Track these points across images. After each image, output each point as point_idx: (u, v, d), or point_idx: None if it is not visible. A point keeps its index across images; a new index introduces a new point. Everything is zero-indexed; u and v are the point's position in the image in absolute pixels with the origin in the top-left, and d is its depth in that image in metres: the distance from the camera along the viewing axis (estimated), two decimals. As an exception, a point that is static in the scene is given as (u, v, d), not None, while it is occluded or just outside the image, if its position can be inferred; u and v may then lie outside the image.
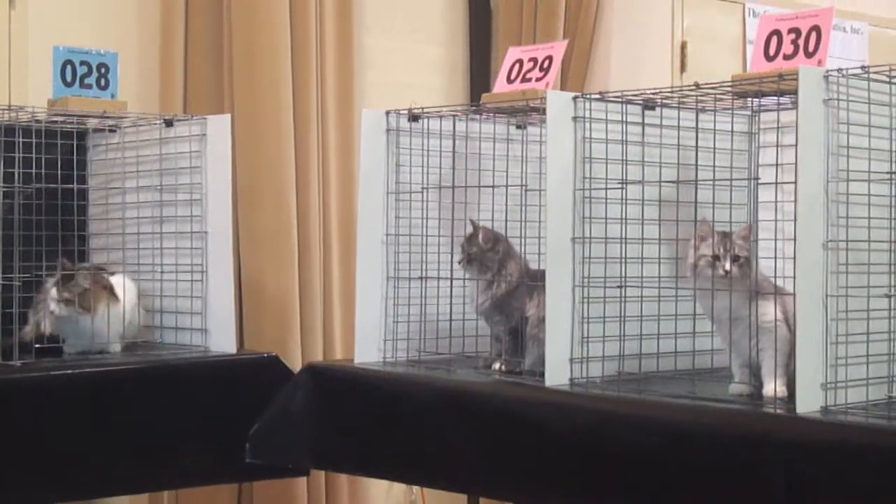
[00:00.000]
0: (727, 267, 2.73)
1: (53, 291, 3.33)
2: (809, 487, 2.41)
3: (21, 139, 3.44)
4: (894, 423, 2.43)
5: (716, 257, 2.74)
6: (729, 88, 2.87)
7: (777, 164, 2.80)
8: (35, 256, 3.59)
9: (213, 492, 4.15)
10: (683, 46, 5.46)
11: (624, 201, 2.97)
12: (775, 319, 2.69)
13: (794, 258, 2.55)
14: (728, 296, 2.74)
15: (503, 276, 3.17)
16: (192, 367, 3.43)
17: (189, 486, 3.82)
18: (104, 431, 3.18)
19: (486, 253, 3.19)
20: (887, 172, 2.59)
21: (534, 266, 3.23)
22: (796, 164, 2.54)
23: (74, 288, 3.36)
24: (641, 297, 2.99)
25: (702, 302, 2.85)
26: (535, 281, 3.10)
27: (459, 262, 3.22)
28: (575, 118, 2.95)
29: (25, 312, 3.46)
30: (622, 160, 2.97)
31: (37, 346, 3.35)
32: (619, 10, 5.02)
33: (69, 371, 3.22)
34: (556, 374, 2.92)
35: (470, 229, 3.24)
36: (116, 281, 3.48)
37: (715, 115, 3.07)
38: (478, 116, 3.44)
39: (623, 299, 2.97)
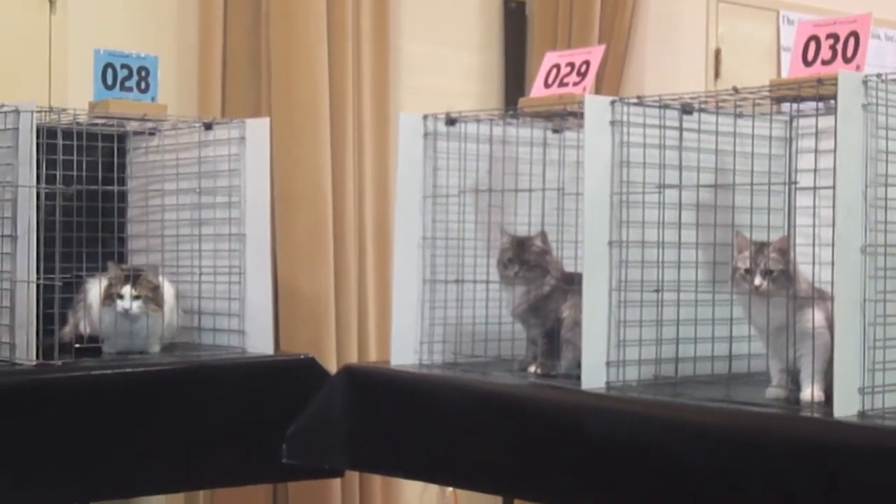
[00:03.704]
0: (757, 282, 2.73)
1: (128, 288, 3.35)
2: (846, 492, 2.41)
3: (62, 141, 3.47)
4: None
5: (748, 271, 2.75)
6: (767, 93, 2.88)
7: (815, 170, 2.81)
8: (75, 257, 3.64)
9: (249, 492, 4.17)
10: (718, 53, 5.46)
11: (661, 205, 2.97)
12: (812, 324, 2.69)
13: (832, 263, 2.56)
14: (765, 303, 2.74)
15: (543, 280, 3.18)
16: (230, 367, 3.46)
17: (225, 486, 3.84)
18: (142, 431, 3.21)
19: (539, 258, 3.19)
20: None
21: (568, 269, 3.24)
22: (835, 168, 2.54)
23: (147, 285, 3.39)
24: (678, 300, 3.00)
25: (741, 309, 2.86)
26: (571, 284, 3.12)
27: (513, 272, 3.20)
28: (613, 122, 2.96)
29: (65, 313, 3.50)
30: (660, 164, 2.98)
31: (76, 346, 3.39)
32: (653, 16, 5.03)
33: (109, 371, 3.25)
34: (593, 378, 2.93)
35: (506, 238, 3.24)
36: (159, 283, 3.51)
37: (753, 120, 3.07)
38: (515, 121, 3.46)
39: (660, 303, 2.97)
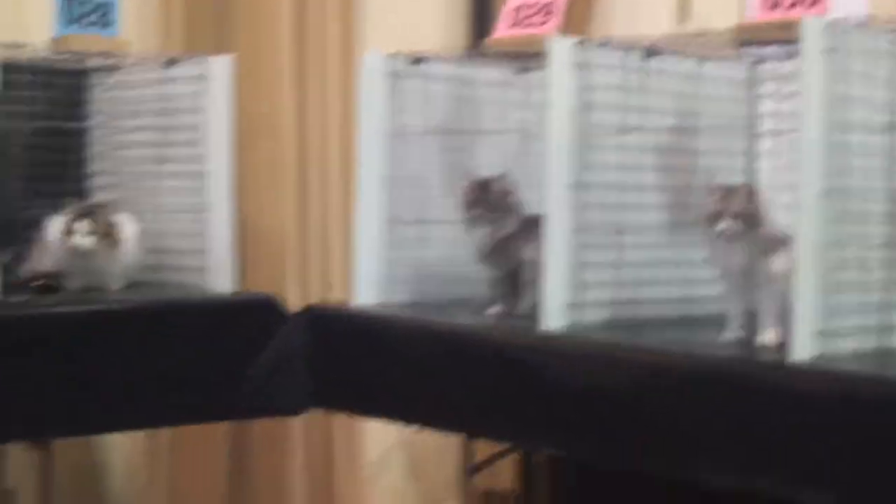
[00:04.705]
0: (724, 225, 2.74)
1: (82, 224, 3.32)
2: (801, 436, 2.44)
3: (24, 77, 3.44)
4: (886, 372, 2.46)
5: (715, 214, 2.75)
6: (732, 37, 2.87)
7: (776, 114, 2.81)
8: (36, 195, 3.61)
9: (208, 431, 4.18)
10: (687, -6, 5.43)
11: (623, 148, 2.97)
12: (771, 267, 2.71)
13: (794, 207, 2.56)
14: (730, 247, 2.75)
15: (505, 222, 3.18)
16: (189, 306, 3.45)
17: (184, 423, 3.83)
18: (100, 369, 3.19)
19: (502, 199, 3.19)
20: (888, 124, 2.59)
21: (531, 211, 3.25)
22: (798, 113, 2.55)
23: (102, 221, 3.36)
24: (638, 244, 3.01)
25: (704, 251, 2.87)
26: (533, 226, 3.12)
27: (475, 213, 3.20)
28: (577, 64, 2.95)
29: (24, 250, 3.48)
30: (622, 107, 2.97)
31: (34, 283, 3.37)
32: (622, -45, 5.00)
33: (66, 309, 3.24)
34: (552, 319, 2.95)
35: (469, 179, 3.23)
36: (117, 220, 3.49)
37: (716, 64, 3.07)
38: (479, 61, 3.44)
39: (620, 246, 2.98)
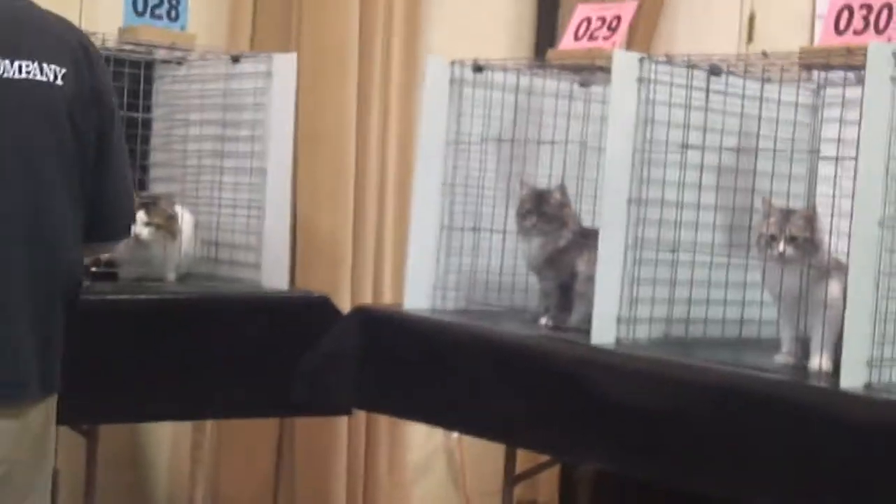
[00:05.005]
0: (781, 248, 2.73)
1: (141, 214, 3.36)
2: (847, 463, 2.42)
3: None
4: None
5: (772, 237, 2.74)
6: (796, 60, 2.87)
7: (839, 140, 2.80)
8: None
9: (256, 426, 4.20)
10: (752, 18, 5.41)
11: (683, 165, 2.97)
12: (826, 294, 2.69)
13: (850, 234, 2.55)
14: (788, 272, 2.74)
15: (560, 233, 3.18)
16: (244, 300, 3.48)
17: (233, 416, 3.86)
18: (152, 358, 3.23)
19: (558, 211, 3.19)
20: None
21: (586, 224, 3.25)
22: (859, 139, 2.54)
23: (161, 213, 3.40)
24: (693, 262, 3.00)
25: (758, 273, 2.86)
26: (588, 239, 3.12)
27: (530, 223, 3.19)
28: (640, 79, 2.95)
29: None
30: (684, 124, 2.97)
31: (93, 270, 3.41)
32: (689, -25, 4.99)
33: (124, 297, 3.28)
34: (603, 333, 2.94)
35: (526, 189, 3.24)
36: (175, 212, 3.52)
37: (780, 87, 3.06)
38: (542, 72, 3.45)
39: (675, 263, 2.98)
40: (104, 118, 2.59)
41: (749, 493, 2.57)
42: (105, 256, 3.46)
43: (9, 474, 2.47)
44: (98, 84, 2.58)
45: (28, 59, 2.47)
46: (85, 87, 2.53)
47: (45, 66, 2.48)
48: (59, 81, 2.49)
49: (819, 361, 2.69)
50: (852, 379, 2.51)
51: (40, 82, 2.47)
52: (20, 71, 2.45)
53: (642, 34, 4.91)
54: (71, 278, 2.56)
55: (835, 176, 2.86)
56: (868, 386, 2.51)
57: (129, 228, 2.78)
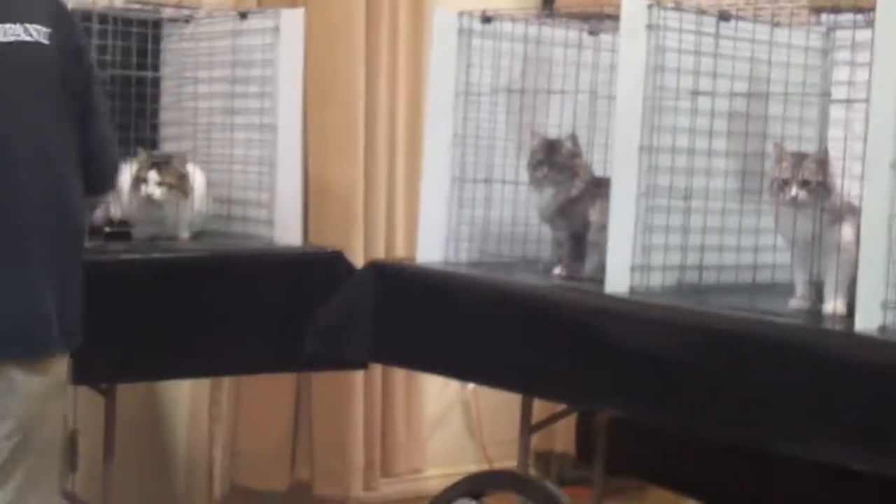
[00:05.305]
0: (794, 192, 2.72)
1: (153, 174, 3.38)
2: (864, 405, 2.43)
3: (97, 25, 3.47)
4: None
5: (785, 182, 2.74)
6: (805, 3, 2.85)
7: (850, 83, 2.79)
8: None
9: (273, 382, 4.23)
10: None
11: (694, 112, 2.96)
12: (840, 237, 2.69)
13: (862, 177, 2.55)
14: (801, 216, 2.74)
15: (572, 183, 3.18)
16: (257, 257, 3.49)
17: (249, 373, 3.89)
18: (169, 316, 3.25)
19: (569, 161, 3.18)
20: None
21: (598, 173, 3.24)
22: (870, 82, 2.53)
23: (173, 173, 3.41)
24: (706, 208, 3.00)
25: (771, 219, 2.86)
26: (600, 188, 3.12)
27: (542, 173, 3.18)
28: (649, 26, 2.93)
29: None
30: (694, 71, 2.96)
31: (107, 229, 3.42)
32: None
33: (137, 256, 3.30)
34: (617, 281, 2.95)
35: (537, 140, 3.23)
36: (187, 170, 3.52)
37: (790, 30, 3.04)
38: (551, 21, 3.44)
39: (688, 210, 2.98)
40: (87, 75, 2.64)
41: (764, 439, 2.58)
42: (118, 215, 3.48)
43: (35, 429, 2.51)
44: (78, 41, 2.63)
45: (10, 21, 2.49)
46: (67, 46, 2.57)
47: (28, 26, 2.51)
48: (44, 40, 2.51)
49: (833, 305, 2.69)
50: (867, 322, 2.52)
51: (27, 42, 2.50)
52: (5, 34, 2.48)
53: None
54: (79, 231, 2.61)
55: (846, 119, 2.86)
56: (883, 328, 2.51)
57: (115, 181, 2.87)
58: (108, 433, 3.60)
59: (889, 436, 2.37)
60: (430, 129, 3.45)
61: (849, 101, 2.84)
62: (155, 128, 3.85)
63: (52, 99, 2.54)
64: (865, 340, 2.48)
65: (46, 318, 2.53)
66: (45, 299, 2.52)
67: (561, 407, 3.68)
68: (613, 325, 2.86)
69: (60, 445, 2.67)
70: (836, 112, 3.04)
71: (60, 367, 2.61)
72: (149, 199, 3.39)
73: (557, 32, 3.46)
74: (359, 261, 3.88)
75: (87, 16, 3.45)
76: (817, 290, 2.77)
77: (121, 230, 3.43)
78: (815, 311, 2.74)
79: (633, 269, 2.95)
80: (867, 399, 2.42)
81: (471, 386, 4.74)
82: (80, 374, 2.78)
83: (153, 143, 3.80)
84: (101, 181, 2.76)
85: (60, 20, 2.59)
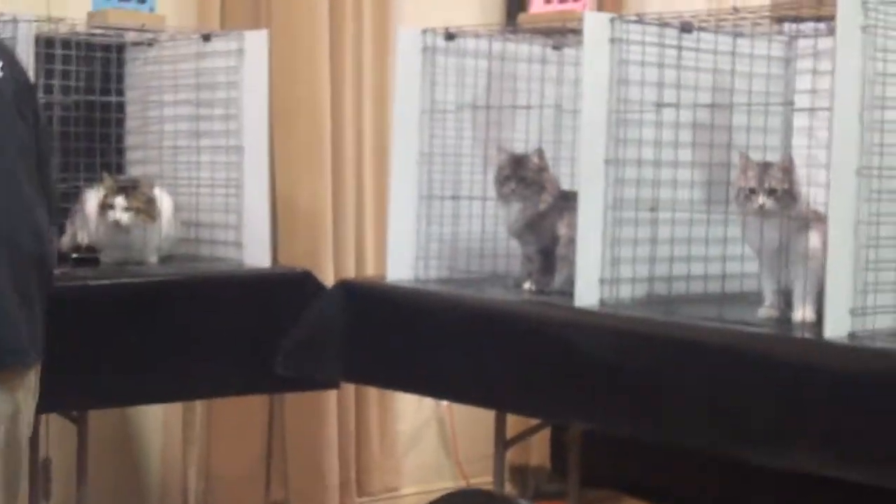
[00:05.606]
0: (761, 201, 2.74)
1: (120, 199, 3.36)
2: (834, 412, 2.44)
3: (60, 51, 3.46)
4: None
5: (752, 191, 2.75)
6: (767, 13, 2.87)
7: (813, 91, 2.80)
8: (73, 168, 3.64)
9: (246, 404, 4.21)
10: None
11: (659, 124, 2.97)
12: (807, 245, 2.70)
13: (828, 184, 2.56)
14: (768, 225, 2.75)
15: (539, 198, 3.18)
16: (226, 279, 3.48)
17: (221, 395, 3.86)
18: (138, 341, 3.23)
19: (536, 176, 3.18)
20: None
21: (565, 187, 3.25)
22: (832, 90, 2.54)
23: (140, 197, 3.40)
24: (673, 219, 3.01)
25: (738, 228, 2.87)
26: (567, 202, 3.12)
27: (509, 189, 3.17)
28: (612, 40, 2.95)
29: (63, 223, 3.51)
30: (658, 83, 2.97)
31: (74, 255, 3.40)
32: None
33: (106, 281, 3.27)
34: (586, 295, 2.96)
35: (504, 155, 3.23)
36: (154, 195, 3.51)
37: (752, 41, 3.06)
38: (514, 37, 3.45)
39: (655, 222, 2.98)
40: (36, 108, 2.64)
41: (736, 447, 2.59)
42: (84, 241, 3.46)
43: (17, 438, 2.51)
44: (26, 76, 2.63)
45: None
46: (20, 78, 2.56)
47: None
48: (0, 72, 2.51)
49: (802, 313, 2.71)
50: (836, 329, 2.53)
51: None
52: None
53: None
54: (47, 264, 2.60)
55: (810, 127, 2.88)
56: (852, 335, 2.52)
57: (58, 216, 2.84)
58: (81, 460, 3.57)
59: (859, 442, 2.38)
60: (396, 147, 3.45)
61: (812, 110, 2.85)
62: (120, 152, 3.84)
63: (12, 131, 2.52)
64: (835, 348, 2.50)
65: (19, 332, 2.53)
66: (18, 310, 2.52)
67: (535, 421, 3.68)
68: (584, 338, 2.86)
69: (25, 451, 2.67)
70: (799, 121, 3.05)
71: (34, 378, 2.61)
72: (116, 224, 3.37)
73: (521, 48, 3.47)
74: (329, 280, 3.87)
75: (50, 41, 3.45)
76: (786, 299, 2.78)
77: (88, 256, 3.42)
78: (784, 320, 2.75)
79: (602, 281, 2.96)
80: (837, 406, 2.43)
81: (445, 402, 4.74)
82: (51, 403, 2.77)
83: (119, 168, 3.78)
84: (53, 213, 2.75)
85: (10, 56, 2.60)
